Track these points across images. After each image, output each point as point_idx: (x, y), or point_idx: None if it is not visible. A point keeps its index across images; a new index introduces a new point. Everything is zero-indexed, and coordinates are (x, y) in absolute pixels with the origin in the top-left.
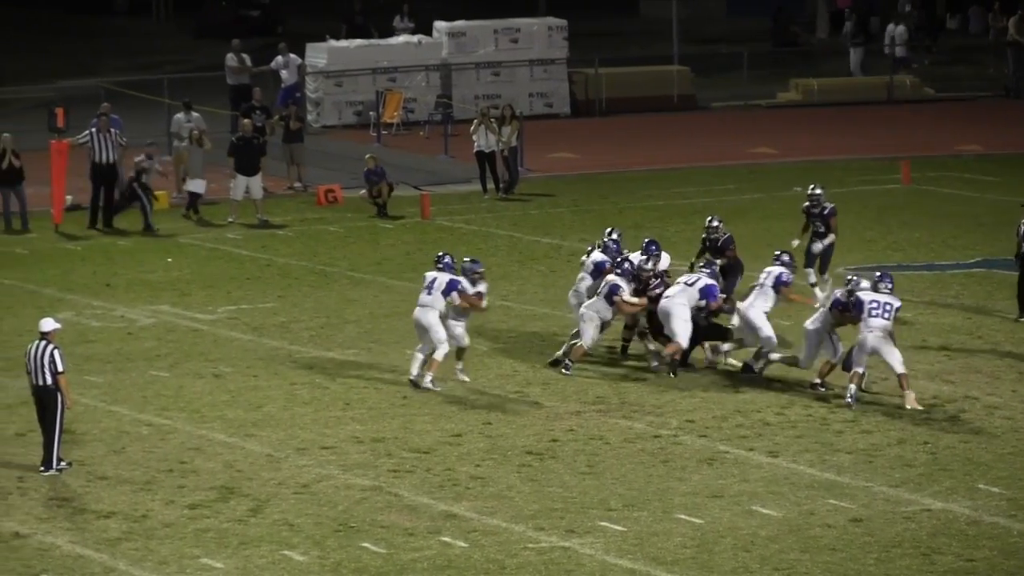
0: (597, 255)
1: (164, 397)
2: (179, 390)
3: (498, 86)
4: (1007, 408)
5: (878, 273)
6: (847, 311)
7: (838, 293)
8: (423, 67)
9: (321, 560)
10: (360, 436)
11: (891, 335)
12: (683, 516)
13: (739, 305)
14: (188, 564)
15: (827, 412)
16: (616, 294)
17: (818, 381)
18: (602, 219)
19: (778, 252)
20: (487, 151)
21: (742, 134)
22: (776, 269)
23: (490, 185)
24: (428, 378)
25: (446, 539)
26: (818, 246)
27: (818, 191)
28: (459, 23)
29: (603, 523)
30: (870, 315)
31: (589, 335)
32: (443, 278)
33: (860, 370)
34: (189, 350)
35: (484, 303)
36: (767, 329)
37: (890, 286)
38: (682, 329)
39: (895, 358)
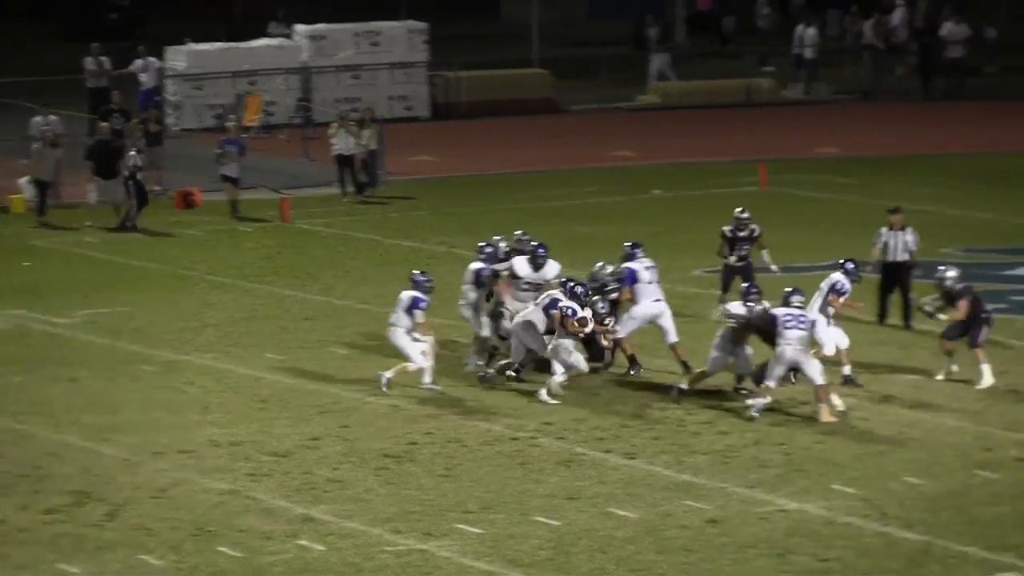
0: (476, 263)
1: (20, 402)
2: (35, 395)
3: (358, 89)
4: (862, 409)
5: (788, 288)
6: (749, 327)
7: (733, 307)
8: (283, 70)
9: (178, 564)
10: (218, 440)
11: (808, 347)
12: (540, 518)
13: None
14: (44, 569)
15: (684, 414)
16: (555, 308)
17: (685, 386)
18: (462, 222)
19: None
20: (347, 154)
21: (602, 137)
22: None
23: (350, 188)
24: (425, 380)
25: (303, 542)
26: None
27: (745, 214)
28: (319, 26)
29: (460, 525)
30: (785, 328)
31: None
32: (407, 296)
33: (772, 384)
34: (45, 354)
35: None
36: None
37: (802, 299)
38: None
39: (815, 370)
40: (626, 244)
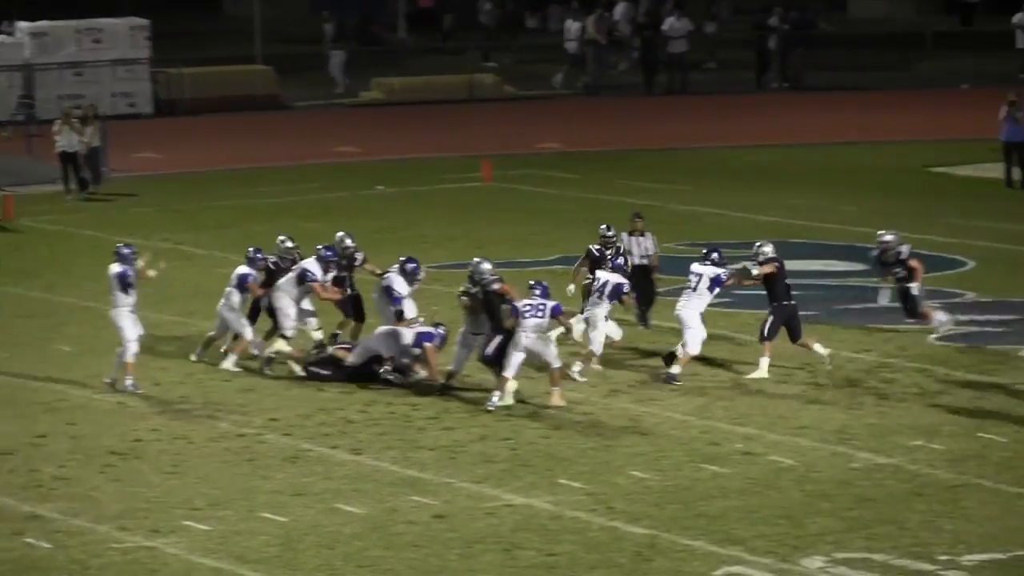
0: (241, 268)
1: None
2: None
3: (81, 86)
4: (588, 404)
5: (532, 281)
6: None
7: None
8: (5, 67)
9: None
10: None
11: (547, 334)
12: (267, 514)
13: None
14: None
15: (410, 409)
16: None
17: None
18: (186, 219)
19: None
20: (70, 151)
21: (326, 133)
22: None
23: (73, 185)
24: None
25: (30, 540)
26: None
27: (611, 232)
28: (41, 23)
29: (188, 522)
30: (524, 317)
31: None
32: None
33: (509, 374)
34: None
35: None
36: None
37: (544, 288)
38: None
39: (551, 353)
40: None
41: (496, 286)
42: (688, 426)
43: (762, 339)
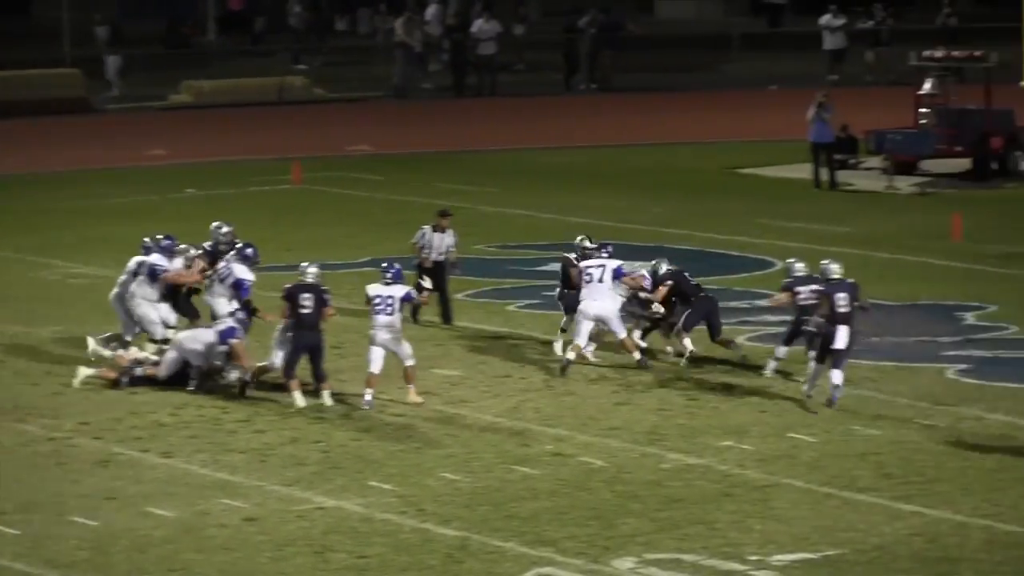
0: (153, 256)
1: None
2: None
3: None
4: (397, 406)
5: (384, 263)
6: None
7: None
8: None
9: None
10: None
11: (399, 328)
12: (78, 518)
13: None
14: None
15: (220, 413)
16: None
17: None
18: None
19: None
20: None
21: (135, 136)
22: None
23: None
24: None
25: None
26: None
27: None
28: None
29: None
30: (375, 312)
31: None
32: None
33: (374, 370)
34: None
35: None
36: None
37: (395, 272)
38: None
39: (404, 351)
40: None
41: (328, 298)
42: (499, 428)
43: (681, 330)
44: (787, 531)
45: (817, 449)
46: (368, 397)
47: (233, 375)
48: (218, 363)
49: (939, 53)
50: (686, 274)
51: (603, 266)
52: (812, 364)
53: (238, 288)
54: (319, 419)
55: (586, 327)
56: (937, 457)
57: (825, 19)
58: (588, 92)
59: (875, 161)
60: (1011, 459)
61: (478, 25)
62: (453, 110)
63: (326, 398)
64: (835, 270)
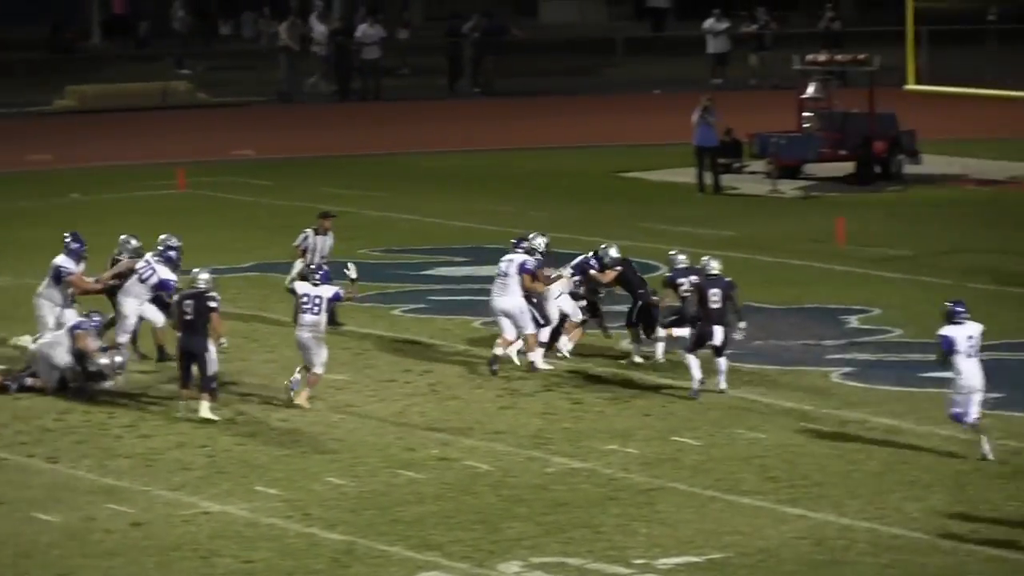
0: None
1: None
2: None
3: None
4: (285, 411)
5: (312, 264)
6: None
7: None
8: None
9: None
10: None
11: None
12: None
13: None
14: None
15: (106, 417)
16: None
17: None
18: None
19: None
20: None
21: (18, 141)
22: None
23: None
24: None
25: None
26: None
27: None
28: None
29: None
30: (301, 310)
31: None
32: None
33: (298, 377)
34: None
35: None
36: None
37: (323, 274)
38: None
39: (319, 359)
40: None
41: (214, 305)
42: (384, 432)
43: (627, 324)
44: (672, 535)
45: (701, 452)
46: (296, 376)
47: (103, 360)
48: (92, 368)
49: (822, 57)
50: (633, 265)
51: (511, 260)
52: (689, 357)
53: (164, 288)
54: (205, 424)
55: (501, 322)
56: (822, 460)
57: (709, 23)
58: (472, 96)
59: (759, 165)
60: (895, 462)
61: (362, 30)
62: (338, 114)
63: (203, 410)
64: (714, 266)
